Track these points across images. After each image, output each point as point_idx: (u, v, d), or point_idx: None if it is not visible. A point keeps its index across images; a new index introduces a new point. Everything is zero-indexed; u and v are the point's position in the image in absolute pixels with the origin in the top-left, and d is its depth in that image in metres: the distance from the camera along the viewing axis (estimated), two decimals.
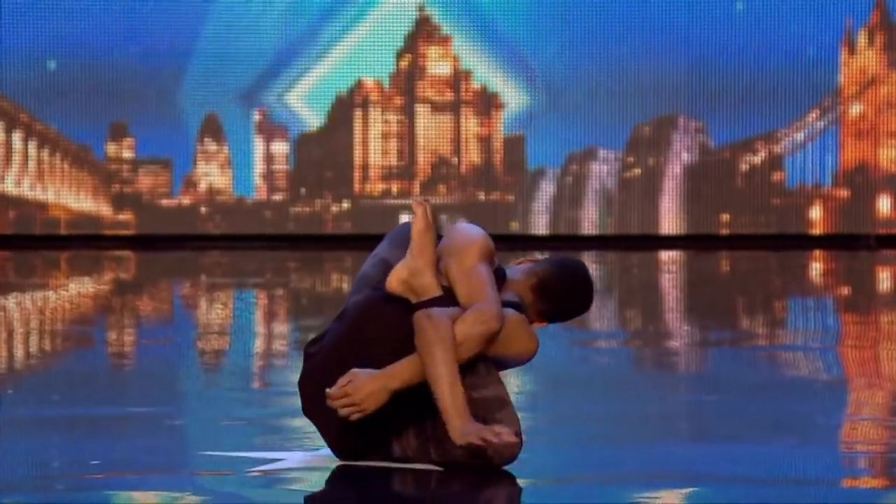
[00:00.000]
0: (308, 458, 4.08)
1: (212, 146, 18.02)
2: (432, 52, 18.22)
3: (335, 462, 4.02)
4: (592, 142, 18.16)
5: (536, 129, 18.15)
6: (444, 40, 18.21)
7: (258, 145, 18.09)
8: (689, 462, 4.18)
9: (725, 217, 18.20)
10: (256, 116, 18.03)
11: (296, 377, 4.06)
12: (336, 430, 3.95)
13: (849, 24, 17.93)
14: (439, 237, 4.08)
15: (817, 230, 18.16)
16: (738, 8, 17.80)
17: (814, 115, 18.10)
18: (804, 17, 17.80)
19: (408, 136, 18.29)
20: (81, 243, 17.38)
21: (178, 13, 17.60)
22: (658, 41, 17.83)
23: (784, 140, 18.16)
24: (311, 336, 4.11)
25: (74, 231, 17.83)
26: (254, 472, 3.94)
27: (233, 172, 18.10)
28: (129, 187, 17.94)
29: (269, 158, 18.12)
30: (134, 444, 4.43)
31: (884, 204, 18.13)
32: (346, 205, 18.23)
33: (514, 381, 5.52)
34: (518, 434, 3.85)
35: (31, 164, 17.82)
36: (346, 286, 11.77)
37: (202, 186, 18.06)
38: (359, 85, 18.10)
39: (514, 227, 18.20)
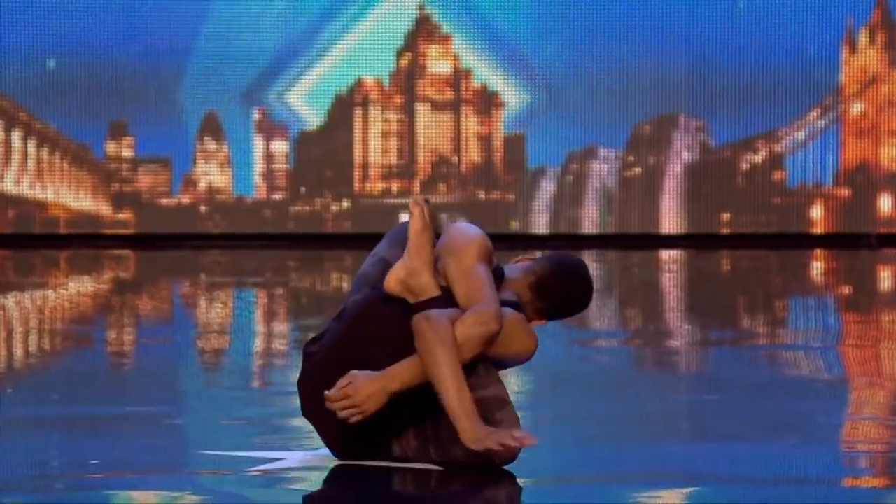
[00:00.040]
0: (308, 458, 4.07)
1: (211, 145, 18.01)
2: (432, 50, 18.21)
3: (335, 461, 4.02)
4: (593, 141, 18.15)
5: (537, 127, 18.14)
6: (445, 39, 18.20)
7: (258, 144, 18.08)
8: (690, 461, 4.17)
9: (726, 216, 18.19)
10: (256, 115, 18.02)
11: (296, 376, 4.06)
12: (335, 432, 3.94)
13: (850, 22, 17.92)
14: (438, 235, 4.07)
15: (818, 229, 18.15)
16: (739, 6, 17.79)
17: (815, 114, 18.09)
18: (805, 15, 17.79)
19: (408, 135, 18.28)
20: (81, 242, 17.37)
21: (177, 12, 17.59)
22: (658, 40, 17.82)
23: (785, 139, 18.15)
24: (311, 335, 4.10)
25: (74, 230, 17.82)
26: (254, 471, 3.93)
27: (232, 171, 18.10)
28: (129, 186, 17.94)
29: (268, 157, 18.12)
30: (133, 443, 4.42)
31: (885, 203, 18.12)
32: (346, 204, 18.22)
33: (514, 381, 5.51)
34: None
35: (31, 163, 17.81)
36: (346, 285, 11.76)
37: (202, 185, 18.05)
38: (359, 83, 18.09)
39: (515, 226, 18.20)
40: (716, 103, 17.96)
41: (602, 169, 18.20)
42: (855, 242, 17.76)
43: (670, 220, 18.18)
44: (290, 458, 4.07)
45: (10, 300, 10.34)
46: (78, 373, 6.45)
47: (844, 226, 18.07)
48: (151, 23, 17.56)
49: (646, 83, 17.85)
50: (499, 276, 4.09)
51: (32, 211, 17.83)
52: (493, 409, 3.89)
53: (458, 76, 18.21)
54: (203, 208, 18.03)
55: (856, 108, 18.12)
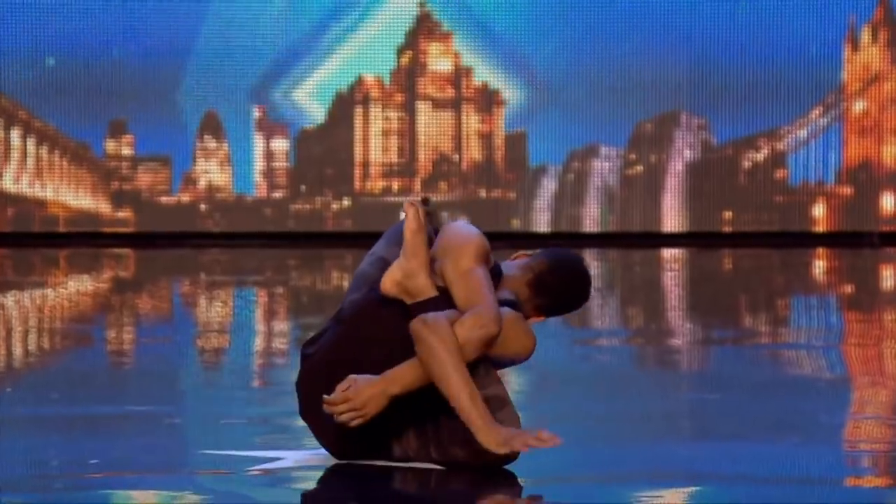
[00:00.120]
0: (308, 458, 4.06)
1: (211, 143, 18.00)
2: (433, 48, 18.20)
3: (335, 461, 4.00)
4: (594, 139, 18.14)
5: (538, 125, 18.13)
6: (445, 37, 18.19)
7: (258, 142, 18.07)
8: (691, 461, 4.15)
9: (728, 214, 18.18)
10: (256, 113, 18.01)
11: (296, 376, 4.04)
12: (334, 433, 3.93)
13: (852, 20, 17.90)
14: (436, 231, 4.05)
15: (820, 228, 18.14)
16: (740, 5, 17.78)
17: (817, 112, 18.08)
18: (807, 13, 17.77)
19: (408, 133, 18.27)
20: (80, 241, 17.37)
21: (177, 10, 17.58)
22: (660, 38, 17.81)
23: (787, 137, 18.14)
24: (311, 335, 4.09)
25: (73, 228, 17.82)
26: (254, 470, 3.92)
27: (232, 169, 18.09)
28: (129, 184, 17.93)
29: (269, 155, 18.10)
30: (133, 442, 4.41)
31: (887, 201, 18.11)
32: (346, 202, 18.21)
33: (514, 380, 5.50)
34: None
35: (30, 162, 17.80)
36: (346, 284, 11.75)
37: (202, 184, 18.04)
38: (359, 81, 18.08)
39: (516, 224, 18.18)
40: (718, 101, 17.95)
41: (603, 167, 18.19)
42: (857, 241, 17.75)
43: (672, 219, 18.17)
44: (291, 458, 4.06)
45: (10, 299, 10.33)
46: (77, 372, 6.44)
47: (847, 224, 18.06)
48: (151, 21, 17.55)
49: (647, 81, 17.84)
50: (496, 275, 4.07)
51: (32, 209, 17.82)
52: (493, 409, 3.87)
53: (459, 74, 18.20)
54: (203, 207, 18.02)
55: (858, 106, 18.10)
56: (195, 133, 17.91)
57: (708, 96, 17.95)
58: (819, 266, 15.54)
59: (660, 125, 18.15)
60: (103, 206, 17.97)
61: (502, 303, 3.99)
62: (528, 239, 17.53)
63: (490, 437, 3.76)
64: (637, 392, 5.87)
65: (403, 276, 3.90)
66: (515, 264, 4.19)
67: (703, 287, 12.64)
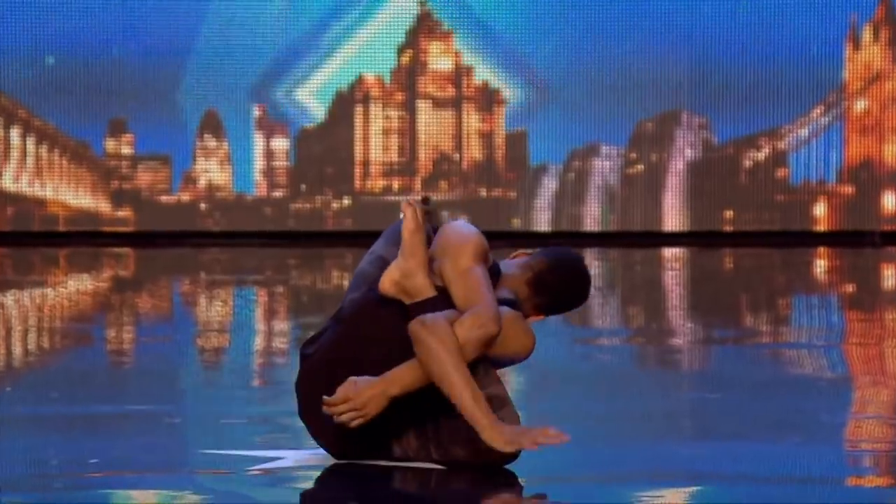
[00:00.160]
0: (308, 457, 4.05)
1: (211, 142, 18.00)
2: (434, 47, 18.19)
3: (335, 461, 3.99)
4: (595, 138, 18.14)
5: (538, 124, 18.12)
6: (446, 35, 18.18)
7: (258, 141, 18.07)
8: (692, 460, 4.15)
9: (729, 214, 18.17)
10: (256, 112, 18.00)
11: (296, 375, 4.03)
12: (334, 433, 3.92)
13: (853, 19, 17.90)
14: (435, 230, 4.05)
15: (822, 227, 18.13)
16: (741, 3, 17.77)
17: (818, 111, 18.07)
18: (808, 12, 17.77)
19: (409, 132, 18.26)
20: (80, 240, 17.37)
21: (177, 9, 17.57)
22: (661, 36, 17.80)
23: (788, 136, 18.13)
24: (311, 334, 4.08)
25: (73, 228, 17.81)
26: (254, 470, 3.91)
27: (232, 169, 18.08)
28: (129, 184, 17.92)
29: (269, 154, 18.10)
30: (133, 442, 4.41)
31: (889, 200, 18.10)
32: (346, 201, 18.21)
33: (514, 379, 5.49)
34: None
35: (30, 161, 17.80)
36: (346, 283, 11.73)
37: (202, 183, 18.04)
38: (360, 80, 18.07)
39: (516, 223, 18.18)
40: (718, 100, 17.94)
41: (604, 166, 18.19)
42: (859, 240, 17.75)
43: (673, 218, 18.16)
44: (291, 458, 4.05)
45: (10, 298, 10.32)
46: (77, 371, 6.43)
47: (848, 223, 18.06)
48: (151, 20, 17.55)
49: (648, 80, 17.84)
50: (495, 274, 4.06)
51: (31, 208, 17.81)
52: (493, 408, 3.86)
53: (460, 73, 18.19)
54: (203, 206, 18.01)
55: (859, 105, 18.09)
56: (195, 132, 17.91)
57: (709, 95, 17.94)
58: (820, 265, 15.53)
59: (661, 124, 18.14)
60: (103, 206, 17.96)
61: (501, 302, 3.98)
62: (529, 238, 17.53)
63: (496, 435, 3.75)
64: (638, 391, 5.86)
65: (402, 275, 3.89)
66: (514, 263, 4.18)
67: (704, 286, 12.63)
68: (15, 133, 17.71)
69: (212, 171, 18.05)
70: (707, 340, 7.89)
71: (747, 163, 18.19)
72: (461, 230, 4.01)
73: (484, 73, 18.16)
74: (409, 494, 3.83)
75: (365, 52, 18.01)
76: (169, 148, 17.93)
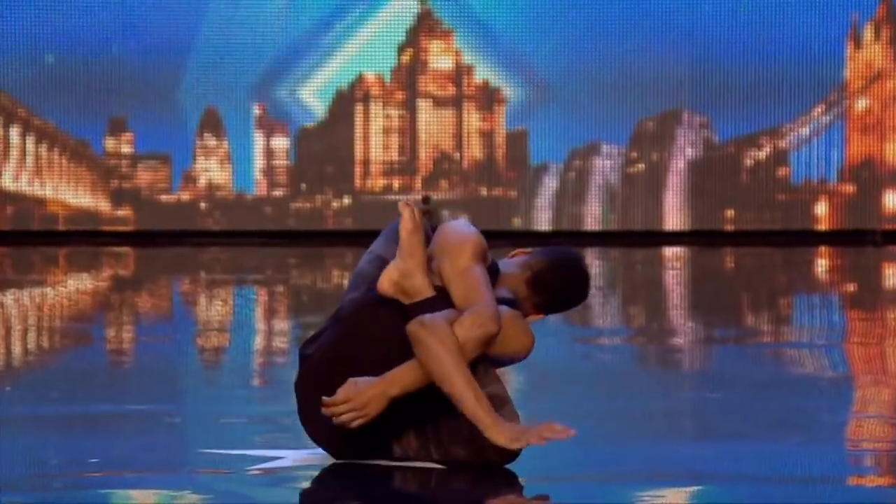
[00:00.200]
0: (308, 457, 4.05)
1: (211, 141, 18.00)
2: (434, 46, 18.18)
3: (335, 461, 3.99)
4: (595, 137, 18.13)
5: (539, 123, 18.12)
6: (446, 34, 18.18)
7: (258, 140, 18.07)
8: (693, 460, 4.14)
9: (730, 213, 18.17)
10: (256, 111, 18.00)
11: (296, 374, 4.03)
12: (334, 433, 3.91)
13: (855, 18, 17.89)
14: (434, 228, 4.04)
15: (823, 226, 18.13)
16: (742, 2, 17.77)
17: (819, 110, 18.06)
18: (810, 11, 17.76)
19: (409, 131, 18.25)
20: (80, 239, 17.36)
21: (177, 8, 17.57)
22: (662, 35, 17.80)
23: (789, 135, 18.13)
24: (311, 333, 4.07)
25: (73, 227, 17.81)
26: (254, 470, 3.91)
27: (232, 168, 18.08)
28: (128, 183, 17.92)
29: (269, 153, 18.09)
30: (133, 441, 4.40)
31: (890, 199, 18.10)
32: (346, 200, 18.20)
33: (514, 379, 5.49)
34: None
35: (29, 160, 17.79)
36: (346, 282, 11.73)
37: (201, 182, 18.03)
38: (360, 79, 18.06)
39: (517, 222, 18.17)
40: (719, 99, 17.94)
41: (605, 165, 18.18)
42: (860, 239, 17.74)
43: (674, 217, 18.15)
44: (291, 457, 4.05)
45: (9, 297, 10.32)
46: (77, 371, 6.43)
47: (849, 222, 18.05)
48: (151, 19, 17.55)
49: (649, 79, 17.83)
50: (494, 273, 4.05)
51: (31, 207, 17.81)
52: (493, 407, 3.85)
53: (460, 72, 18.19)
54: (203, 205, 18.00)
55: (861, 104, 18.09)
56: (195, 131, 17.91)
57: (710, 94, 17.94)
58: (821, 264, 15.53)
59: (661, 123, 18.13)
60: (103, 205, 17.96)
61: (501, 301, 3.97)
62: (530, 237, 17.53)
63: (501, 433, 3.74)
64: (638, 391, 5.85)
65: (400, 275, 3.89)
66: (514, 262, 4.17)
67: (704, 285, 12.62)
68: (14, 132, 17.71)
69: (212, 170, 18.05)
70: (708, 340, 7.89)
71: (748, 162, 18.19)
72: (460, 229, 4.00)
73: (484, 72, 18.16)
74: (409, 494, 3.83)
75: (365, 50, 18.01)
76: (169, 147, 17.93)
